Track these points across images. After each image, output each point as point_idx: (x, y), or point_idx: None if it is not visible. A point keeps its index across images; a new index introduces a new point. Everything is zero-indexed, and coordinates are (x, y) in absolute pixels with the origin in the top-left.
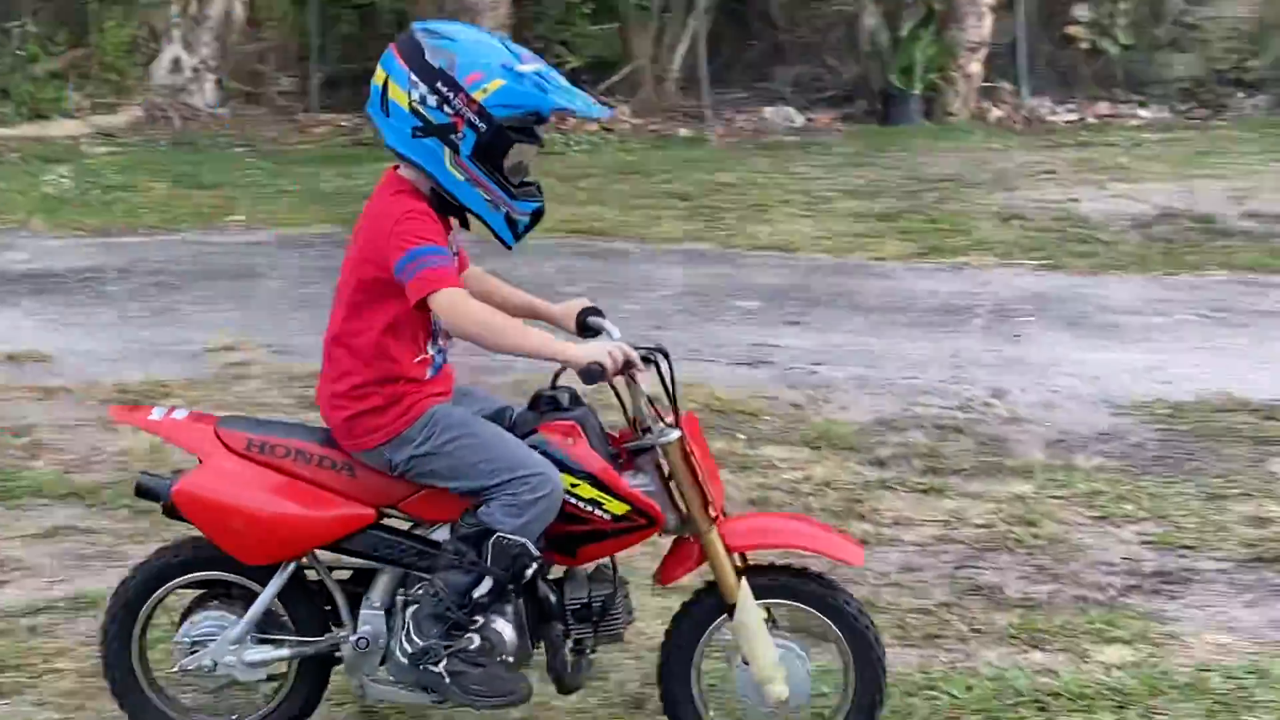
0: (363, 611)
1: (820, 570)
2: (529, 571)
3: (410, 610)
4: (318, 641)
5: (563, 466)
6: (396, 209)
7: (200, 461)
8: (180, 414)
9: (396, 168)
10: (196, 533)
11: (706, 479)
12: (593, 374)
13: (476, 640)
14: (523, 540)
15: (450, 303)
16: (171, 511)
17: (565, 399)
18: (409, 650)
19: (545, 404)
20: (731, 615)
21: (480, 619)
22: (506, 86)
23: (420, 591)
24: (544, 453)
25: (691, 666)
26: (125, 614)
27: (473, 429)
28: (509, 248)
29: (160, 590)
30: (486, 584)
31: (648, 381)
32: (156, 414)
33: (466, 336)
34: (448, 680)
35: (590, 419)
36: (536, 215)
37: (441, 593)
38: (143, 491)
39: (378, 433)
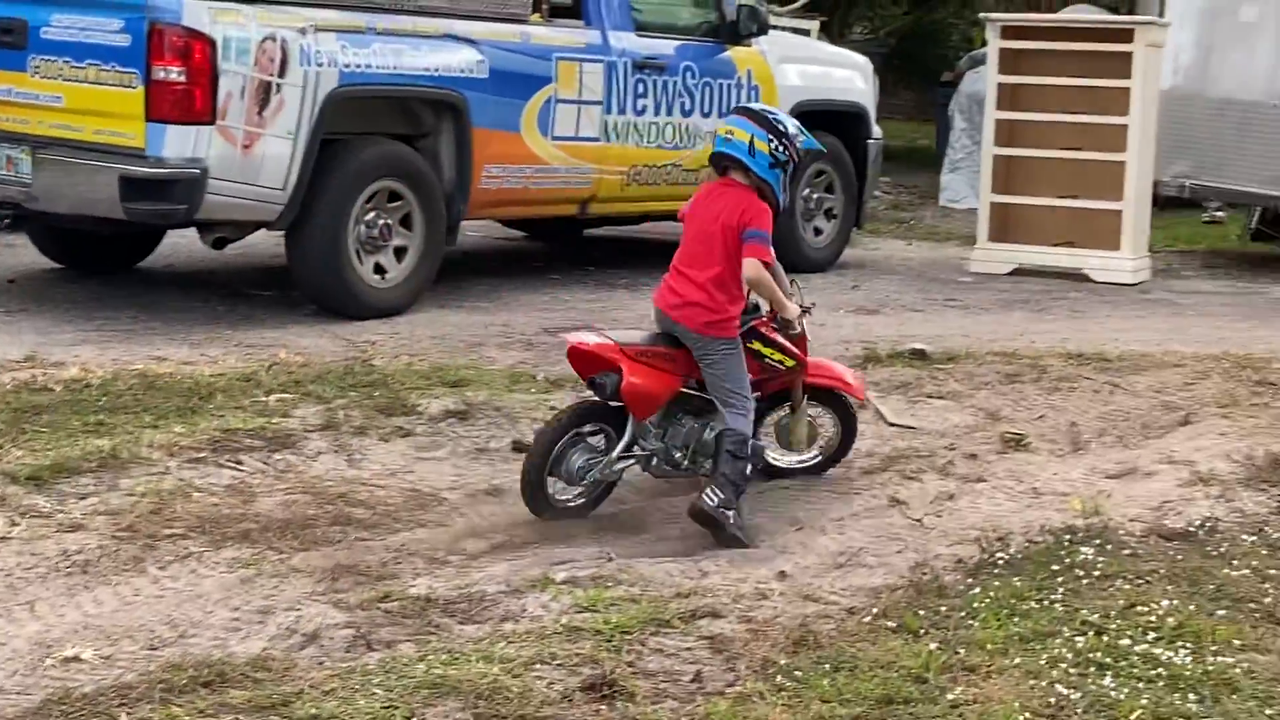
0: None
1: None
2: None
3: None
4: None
5: (767, 342)
6: (755, 204)
7: (622, 368)
8: (593, 338)
9: (729, 178)
10: (576, 404)
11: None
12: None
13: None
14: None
15: (758, 266)
16: (614, 395)
17: (759, 304)
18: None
19: (752, 312)
20: (793, 410)
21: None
22: (807, 140)
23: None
24: (756, 335)
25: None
26: (543, 450)
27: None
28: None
29: (563, 439)
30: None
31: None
32: (589, 338)
33: (758, 285)
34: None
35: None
36: None
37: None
38: (593, 385)
39: (716, 329)
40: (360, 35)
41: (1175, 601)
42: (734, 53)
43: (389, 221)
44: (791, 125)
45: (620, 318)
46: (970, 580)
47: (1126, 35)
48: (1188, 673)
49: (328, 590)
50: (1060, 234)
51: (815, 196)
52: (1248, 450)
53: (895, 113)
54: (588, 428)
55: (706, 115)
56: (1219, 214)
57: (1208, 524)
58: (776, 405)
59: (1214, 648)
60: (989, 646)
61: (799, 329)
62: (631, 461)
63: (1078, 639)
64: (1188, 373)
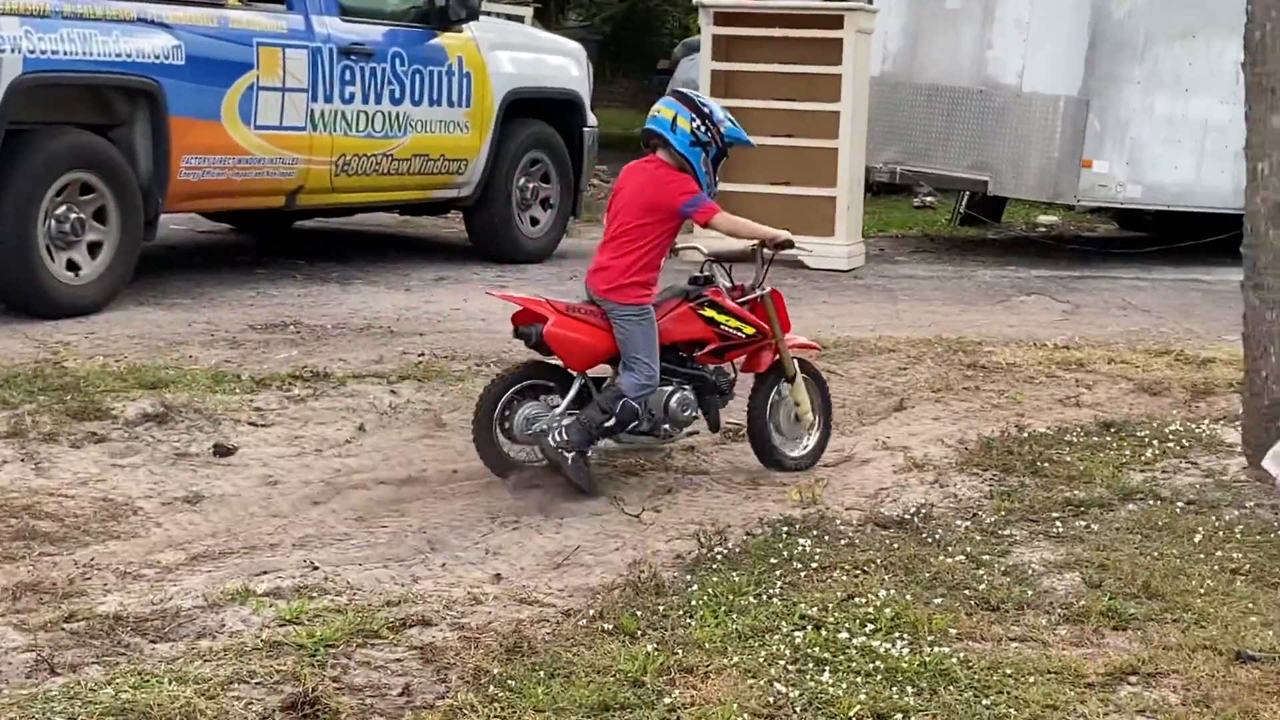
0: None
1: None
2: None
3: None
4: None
5: (720, 309)
6: (674, 176)
7: (548, 319)
8: (522, 293)
9: (658, 155)
10: (523, 361)
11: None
12: (784, 244)
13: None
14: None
15: (725, 216)
16: (539, 345)
17: (714, 276)
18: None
19: (703, 281)
20: (790, 380)
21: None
22: (732, 128)
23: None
24: (709, 304)
25: (767, 405)
26: (488, 406)
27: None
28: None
29: (508, 392)
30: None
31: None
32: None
33: (735, 231)
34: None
35: (723, 285)
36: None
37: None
38: (519, 334)
39: (619, 294)
40: (46, 20)
41: (892, 591)
42: (444, 39)
43: (82, 216)
44: (719, 111)
45: (331, 314)
46: (689, 577)
47: (837, 21)
48: (905, 665)
49: (7, 611)
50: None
51: (531, 186)
52: (960, 434)
53: (612, 101)
54: (540, 384)
55: (417, 103)
56: (929, 199)
57: (922, 511)
58: (770, 383)
59: (930, 638)
60: (707, 645)
61: (794, 243)
62: (578, 423)
63: (796, 634)
64: (902, 358)
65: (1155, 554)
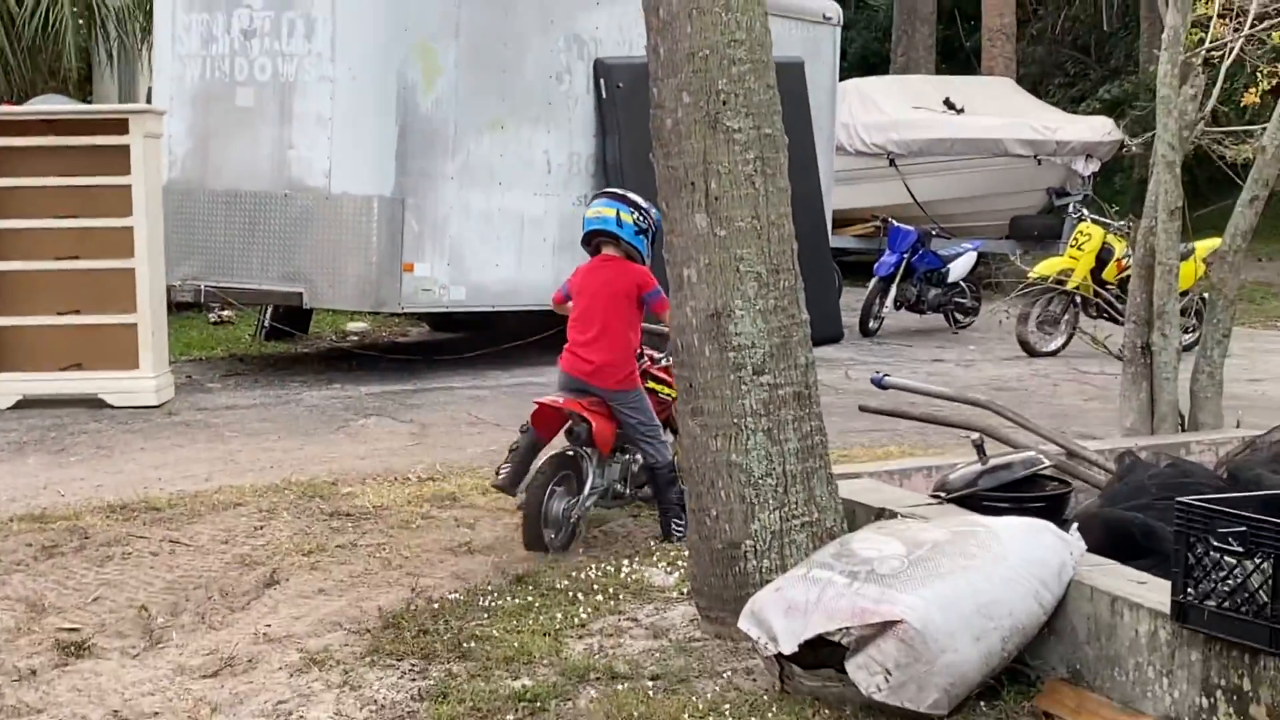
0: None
1: None
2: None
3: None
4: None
5: (656, 379)
6: (635, 268)
7: (588, 417)
8: (559, 396)
9: (608, 253)
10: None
11: None
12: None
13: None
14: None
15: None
16: (589, 439)
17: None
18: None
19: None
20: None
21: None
22: (658, 212)
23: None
24: (651, 375)
25: None
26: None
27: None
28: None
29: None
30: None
31: None
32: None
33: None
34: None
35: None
36: None
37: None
38: (571, 434)
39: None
40: None
41: None
42: None
43: None
44: (642, 201)
45: None
46: None
47: (121, 126)
48: None
49: None
50: (69, 356)
51: None
52: (355, 611)
53: None
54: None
55: None
56: (225, 314)
57: None
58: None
59: None
60: None
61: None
62: (596, 497)
63: None
64: (253, 512)
65: None
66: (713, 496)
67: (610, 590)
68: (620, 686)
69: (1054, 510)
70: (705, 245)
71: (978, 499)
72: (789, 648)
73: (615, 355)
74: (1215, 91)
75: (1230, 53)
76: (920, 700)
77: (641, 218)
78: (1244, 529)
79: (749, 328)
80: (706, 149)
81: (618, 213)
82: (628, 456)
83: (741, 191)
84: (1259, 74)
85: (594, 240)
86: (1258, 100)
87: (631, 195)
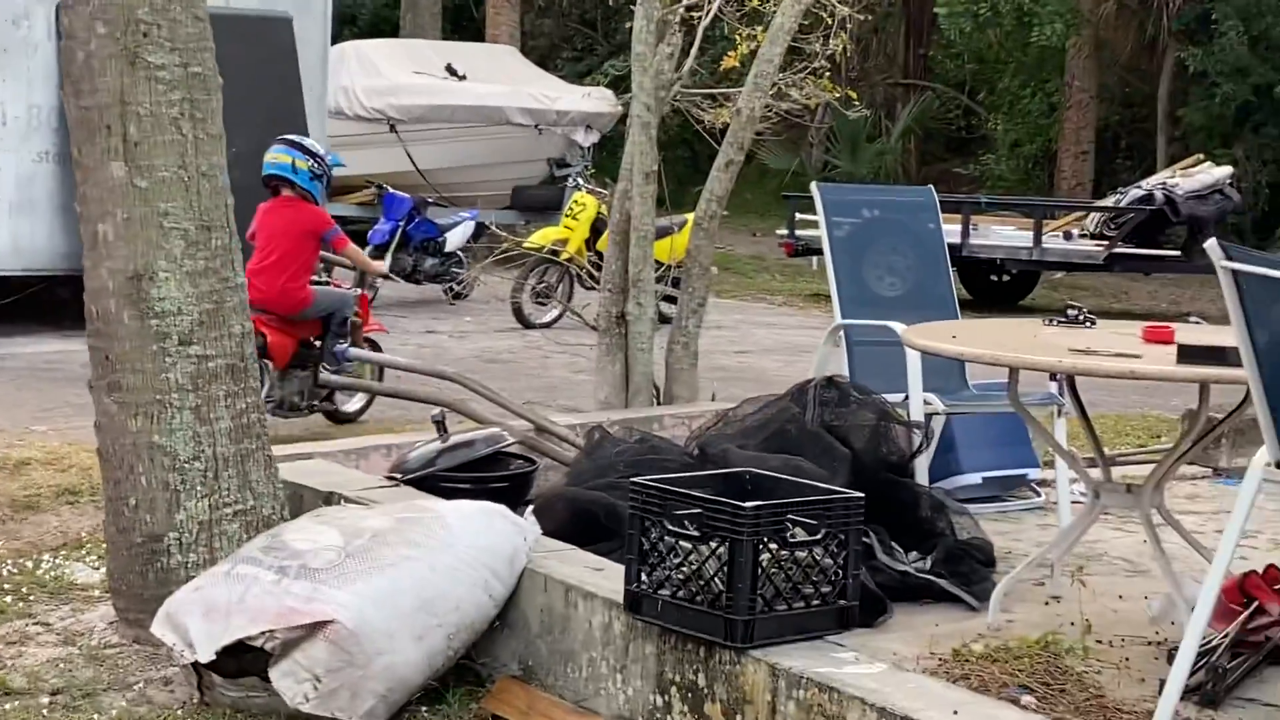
0: None
1: None
2: None
3: None
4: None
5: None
6: (314, 210)
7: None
8: None
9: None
10: None
11: None
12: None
13: None
14: None
15: (350, 245)
16: (264, 351)
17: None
18: None
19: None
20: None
21: None
22: (333, 156)
23: None
24: None
25: None
26: None
27: None
28: None
29: None
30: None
31: None
32: None
33: (354, 258)
34: None
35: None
36: None
37: None
38: None
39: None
40: None
41: None
42: None
43: None
44: (319, 147)
45: None
46: None
47: None
48: None
49: None
50: None
51: None
52: None
53: None
54: None
55: None
56: None
57: None
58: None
59: None
60: None
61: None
62: (271, 406)
63: None
64: None
65: None
66: (132, 483)
67: (23, 590)
68: (9, 706)
69: (518, 491)
70: (124, 197)
71: (436, 480)
72: (206, 655)
73: (291, 282)
74: (693, 52)
75: (708, 13)
76: (354, 709)
77: (317, 165)
78: (699, 510)
79: (174, 292)
80: (124, 87)
81: (293, 160)
82: (305, 372)
83: (166, 137)
84: (738, 37)
85: (271, 183)
86: (737, 64)
87: (307, 142)
